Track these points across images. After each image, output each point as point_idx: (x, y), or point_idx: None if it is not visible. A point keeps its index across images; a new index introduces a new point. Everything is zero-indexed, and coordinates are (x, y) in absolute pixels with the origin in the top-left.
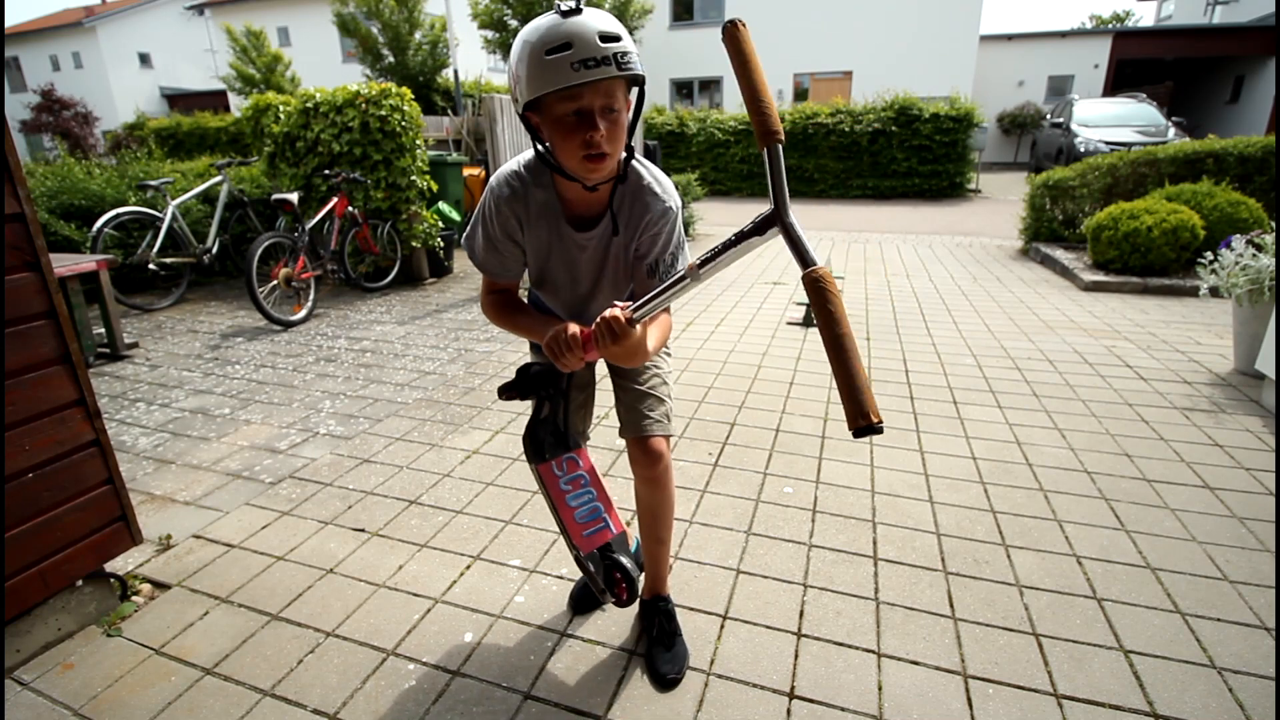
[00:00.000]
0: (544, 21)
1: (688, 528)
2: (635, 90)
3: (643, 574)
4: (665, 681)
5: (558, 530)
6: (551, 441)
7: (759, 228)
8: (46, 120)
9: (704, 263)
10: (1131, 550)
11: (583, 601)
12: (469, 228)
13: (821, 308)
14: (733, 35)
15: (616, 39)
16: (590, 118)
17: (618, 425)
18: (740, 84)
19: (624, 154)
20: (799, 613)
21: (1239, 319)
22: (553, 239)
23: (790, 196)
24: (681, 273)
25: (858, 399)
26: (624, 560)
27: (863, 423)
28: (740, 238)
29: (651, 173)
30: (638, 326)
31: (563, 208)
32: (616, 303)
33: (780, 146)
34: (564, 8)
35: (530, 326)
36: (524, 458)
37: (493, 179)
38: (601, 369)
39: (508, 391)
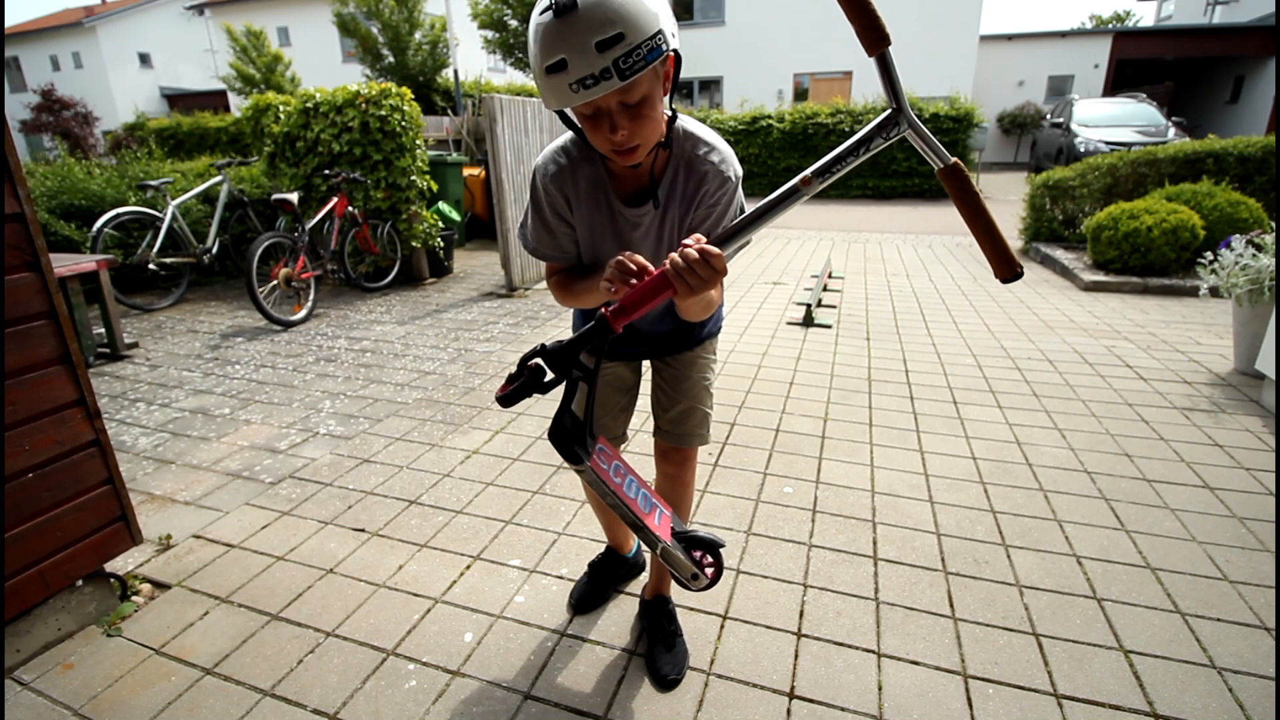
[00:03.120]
0: (540, 24)
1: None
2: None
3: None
4: (665, 682)
5: (631, 528)
6: (580, 435)
7: (882, 128)
8: (46, 120)
9: (820, 172)
10: (1131, 550)
11: (583, 602)
12: (522, 217)
13: (965, 190)
14: None
15: (617, 40)
16: (609, 119)
17: (652, 425)
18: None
19: (664, 121)
20: (799, 613)
21: (1239, 319)
22: (603, 217)
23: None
24: (793, 184)
25: (1008, 255)
26: (700, 534)
27: (1016, 270)
28: (862, 142)
29: (706, 139)
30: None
31: (611, 184)
32: (686, 241)
33: (890, 50)
34: (557, 1)
35: (593, 288)
36: (551, 460)
37: (538, 159)
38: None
39: (516, 387)
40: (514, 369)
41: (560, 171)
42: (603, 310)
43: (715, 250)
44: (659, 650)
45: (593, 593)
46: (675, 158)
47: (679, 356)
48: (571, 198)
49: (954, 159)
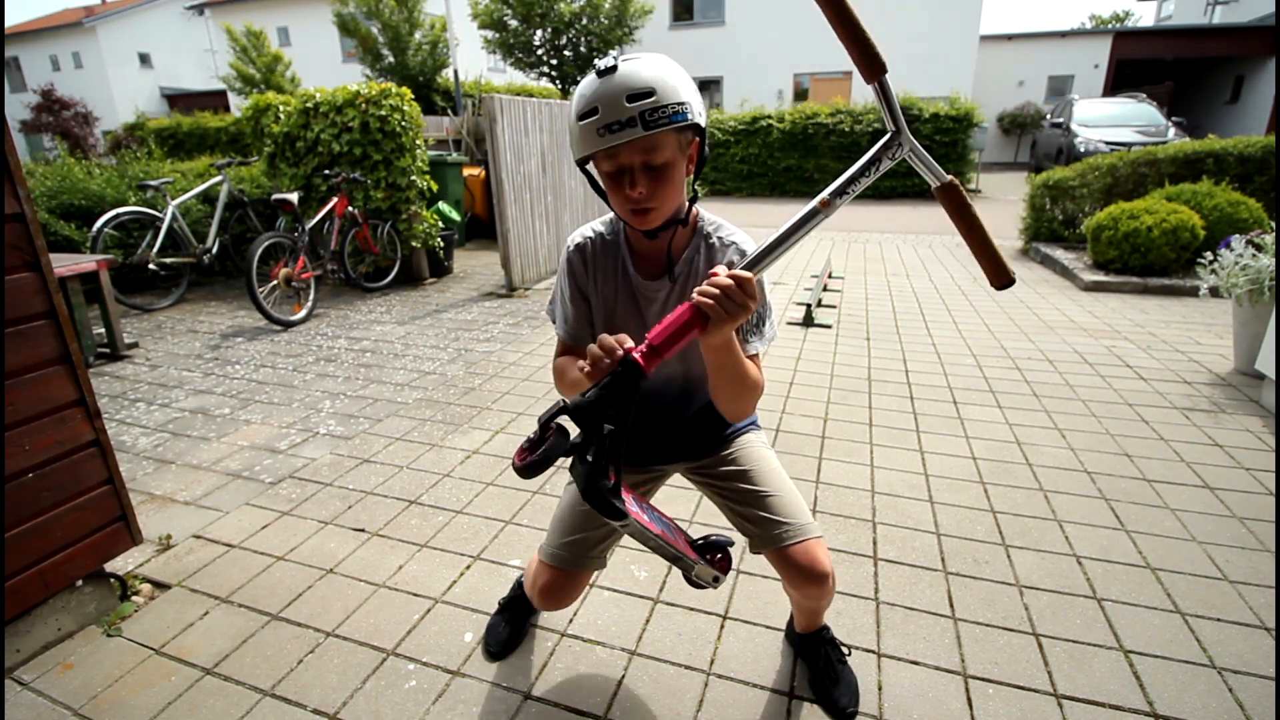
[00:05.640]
0: (583, 83)
1: (688, 528)
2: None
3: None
4: (846, 715)
5: (671, 561)
6: (616, 489)
7: (887, 148)
8: (46, 120)
9: (836, 193)
10: (1131, 550)
11: (506, 646)
12: (552, 293)
13: (961, 206)
14: None
15: (647, 94)
16: (629, 175)
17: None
18: (831, 21)
19: (686, 200)
20: None
21: (1239, 319)
22: (620, 290)
23: (790, 196)
24: (813, 206)
25: (1002, 265)
26: (711, 538)
27: (1010, 278)
28: (871, 163)
29: (726, 224)
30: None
31: (632, 260)
32: (714, 271)
33: (887, 77)
34: (600, 67)
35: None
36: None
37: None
38: (681, 484)
39: (542, 453)
40: (533, 433)
41: (584, 243)
42: (628, 351)
43: (745, 274)
44: (826, 683)
45: (514, 635)
46: (697, 238)
47: (723, 458)
48: (591, 266)
49: (950, 177)
